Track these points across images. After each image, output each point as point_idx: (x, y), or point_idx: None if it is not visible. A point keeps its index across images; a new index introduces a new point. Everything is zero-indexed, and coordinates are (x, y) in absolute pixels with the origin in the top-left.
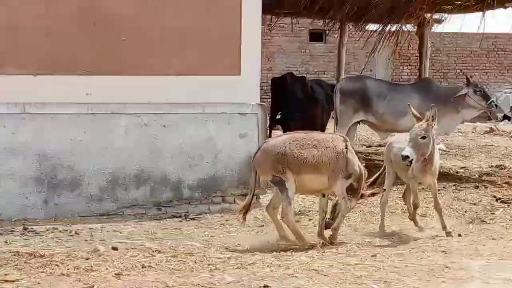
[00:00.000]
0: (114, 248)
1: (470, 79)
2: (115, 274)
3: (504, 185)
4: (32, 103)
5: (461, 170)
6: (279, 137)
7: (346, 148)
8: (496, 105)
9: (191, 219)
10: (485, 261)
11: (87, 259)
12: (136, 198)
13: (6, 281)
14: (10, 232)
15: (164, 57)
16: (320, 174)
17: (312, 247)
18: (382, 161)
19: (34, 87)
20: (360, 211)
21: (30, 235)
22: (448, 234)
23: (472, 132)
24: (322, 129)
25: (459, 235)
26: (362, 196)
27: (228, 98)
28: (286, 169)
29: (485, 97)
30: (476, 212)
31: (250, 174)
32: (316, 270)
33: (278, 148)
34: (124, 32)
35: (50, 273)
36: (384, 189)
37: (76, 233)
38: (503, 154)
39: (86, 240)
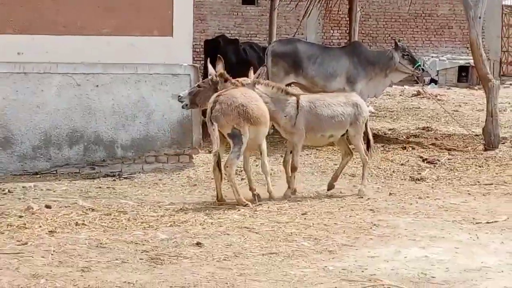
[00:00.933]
0: (48, 206)
1: (398, 43)
2: (49, 231)
3: (430, 146)
4: None
5: (389, 132)
6: (232, 91)
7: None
8: (423, 69)
9: (124, 178)
10: (411, 219)
11: (20, 217)
12: (70, 157)
13: None
14: None
15: (97, 17)
16: (267, 126)
17: (247, 205)
18: None
19: None
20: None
21: None
22: (293, 193)
23: (400, 95)
24: None
25: (390, 194)
26: None
27: (161, 59)
28: (245, 122)
29: (413, 61)
30: (404, 172)
31: (209, 128)
32: (248, 228)
33: (238, 100)
34: None
35: None
36: None
37: (9, 191)
38: (429, 117)
39: (19, 199)
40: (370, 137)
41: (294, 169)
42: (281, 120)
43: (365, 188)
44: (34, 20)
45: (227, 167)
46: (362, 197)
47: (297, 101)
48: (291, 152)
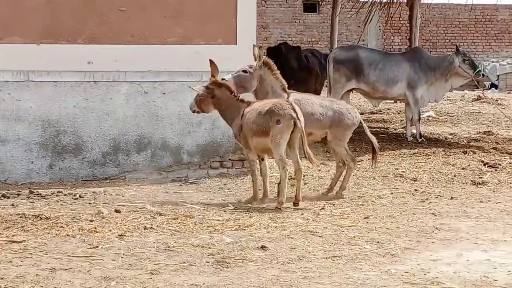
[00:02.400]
0: (117, 211)
1: (459, 48)
2: (118, 235)
3: (491, 150)
4: (36, 71)
5: (450, 136)
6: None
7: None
8: (483, 74)
9: (190, 183)
10: (473, 222)
11: (91, 221)
12: (138, 163)
13: (14, 241)
14: (16, 196)
15: (164, 26)
16: None
17: None
18: (375, 127)
19: (38, 55)
20: (353, 175)
21: (36, 198)
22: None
23: (461, 99)
24: None
25: (451, 198)
26: None
27: (225, 67)
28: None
29: (473, 66)
30: (465, 177)
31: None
32: (311, 232)
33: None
34: (124, 2)
35: (56, 234)
36: None
37: (80, 196)
38: (490, 121)
39: (89, 203)
40: (375, 144)
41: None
42: None
43: (343, 190)
44: (103, 30)
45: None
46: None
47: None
48: None
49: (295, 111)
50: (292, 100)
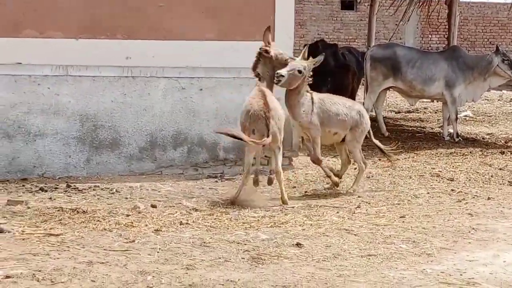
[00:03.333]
0: (153, 206)
1: (499, 48)
2: (154, 230)
3: None
4: (74, 66)
5: (487, 136)
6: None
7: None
8: None
9: (226, 179)
10: (510, 223)
11: (128, 215)
12: (174, 158)
13: (51, 234)
14: (54, 189)
15: (201, 22)
16: None
17: None
18: (411, 127)
19: (76, 50)
20: (389, 174)
21: (73, 192)
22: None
23: (498, 99)
24: (353, 95)
25: (488, 198)
26: None
27: None
28: None
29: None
30: (502, 177)
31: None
32: (346, 230)
33: None
34: None
35: (93, 228)
36: None
37: (116, 191)
38: None
39: (126, 198)
40: (379, 144)
41: (318, 161)
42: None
43: (354, 192)
44: (141, 26)
45: None
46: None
47: (312, 98)
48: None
49: None
50: (316, 99)
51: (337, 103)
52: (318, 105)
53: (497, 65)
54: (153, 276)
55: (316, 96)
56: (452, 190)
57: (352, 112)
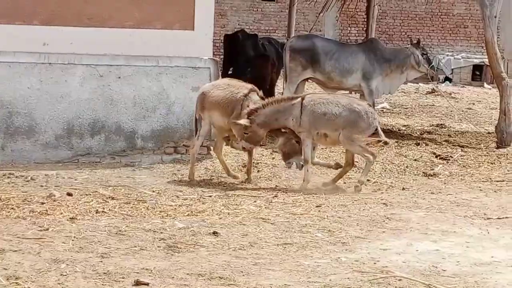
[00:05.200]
0: (69, 194)
1: (419, 42)
2: (70, 218)
3: (443, 142)
4: None
5: (403, 128)
6: None
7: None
8: (436, 69)
9: (144, 168)
10: (423, 213)
11: (43, 203)
12: (91, 146)
13: None
14: None
15: (121, 10)
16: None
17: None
18: None
19: None
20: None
21: None
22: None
23: (415, 92)
24: (272, 85)
25: (403, 188)
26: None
27: (182, 52)
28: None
29: (429, 61)
30: (417, 168)
31: None
32: (263, 219)
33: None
34: None
35: (6, 215)
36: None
37: (32, 178)
38: (443, 114)
39: (41, 186)
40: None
41: (306, 161)
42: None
43: (362, 184)
44: (60, 12)
45: None
46: (358, 192)
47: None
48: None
49: None
50: (307, 102)
51: (329, 103)
52: (309, 109)
53: (419, 59)
54: (67, 264)
55: (308, 99)
56: (368, 180)
57: (345, 111)
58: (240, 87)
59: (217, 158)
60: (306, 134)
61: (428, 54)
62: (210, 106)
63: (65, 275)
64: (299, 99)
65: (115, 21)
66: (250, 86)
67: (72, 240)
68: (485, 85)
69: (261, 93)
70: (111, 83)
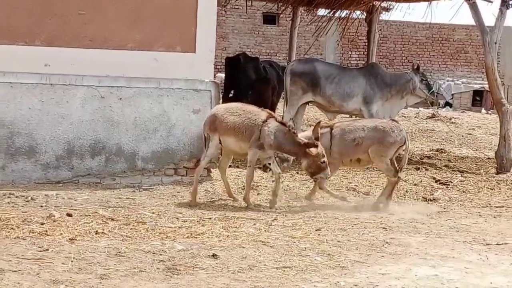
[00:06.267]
0: (69, 215)
1: (419, 67)
2: (69, 239)
3: (443, 167)
4: None
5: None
6: None
7: (264, 122)
8: (436, 95)
9: (144, 189)
10: (423, 238)
11: (42, 224)
12: (91, 167)
13: None
14: None
15: (122, 32)
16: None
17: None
18: None
19: None
20: (306, 187)
21: None
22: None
23: (415, 117)
24: (272, 108)
25: (403, 213)
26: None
27: (183, 75)
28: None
29: (428, 86)
30: (416, 192)
31: None
32: (262, 242)
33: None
34: (82, 6)
35: (6, 236)
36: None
37: (32, 199)
38: (443, 139)
39: (41, 206)
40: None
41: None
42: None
43: (381, 204)
44: (61, 33)
45: None
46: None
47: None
48: None
49: None
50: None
51: (356, 129)
52: (338, 138)
53: (417, 84)
54: (66, 285)
55: (337, 129)
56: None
57: (372, 132)
58: (257, 112)
59: (219, 179)
60: (336, 162)
61: (428, 80)
62: (225, 131)
63: None
64: (328, 129)
65: (116, 43)
66: (266, 111)
67: (72, 261)
68: (483, 110)
69: (279, 118)
70: (112, 104)
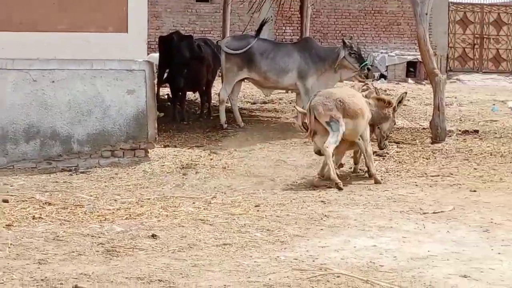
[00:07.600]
0: (5, 201)
1: (348, 41)
2: (6, 225)
3: None
4: None
5: None
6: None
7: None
8: (368, 69)
9: (81, 172)
10: (361, 210)
11: None
12: (26, 152)
13: None
14: None
15: (53, 13)
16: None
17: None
18: (267, 117)
19: None
20: (245, 164)
21: None
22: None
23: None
24: (208, 86)
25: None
26: None
27: (116, 55)
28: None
29: (359, 59)
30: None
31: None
32: (202, 220)
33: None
34: None
35: None
36: None
37: None
38: None
39: None
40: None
41: None
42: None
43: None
44: None
45: (326, 147)
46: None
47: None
48: None
49: None
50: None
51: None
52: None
53: (344, 57)
54: (3, 272)
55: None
56: (305, 177)
57: None
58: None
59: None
60: None
61: (358, 53)
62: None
63: (2, 283)
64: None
65: (47, 25)
66: None
67: (9, 247)
68: (409, 80)
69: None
70: (44, 87)
